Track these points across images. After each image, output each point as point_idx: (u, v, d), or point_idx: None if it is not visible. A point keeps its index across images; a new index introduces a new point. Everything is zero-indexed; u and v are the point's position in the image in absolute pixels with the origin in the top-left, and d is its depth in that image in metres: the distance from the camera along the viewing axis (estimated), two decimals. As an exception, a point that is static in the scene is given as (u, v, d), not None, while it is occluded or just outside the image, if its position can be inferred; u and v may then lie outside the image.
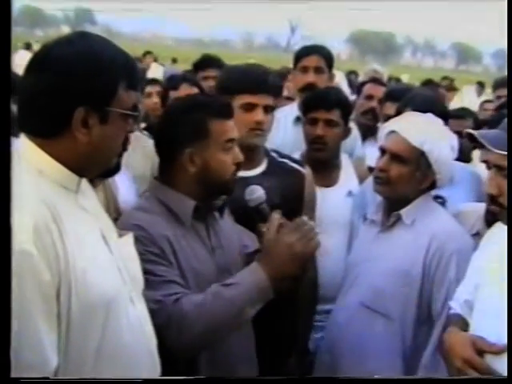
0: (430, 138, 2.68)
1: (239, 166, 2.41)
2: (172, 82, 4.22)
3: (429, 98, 3.51)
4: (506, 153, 2.02)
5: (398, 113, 3.33)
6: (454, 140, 2.79)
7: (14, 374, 1.50)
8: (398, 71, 20.70)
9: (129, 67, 1.75)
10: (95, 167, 1.80)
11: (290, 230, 2.26)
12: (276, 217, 2.33)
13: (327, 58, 4.07)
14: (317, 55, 4.01)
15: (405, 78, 15.76)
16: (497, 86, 5.68)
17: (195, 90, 3.84)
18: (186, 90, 3.90)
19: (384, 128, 2.85)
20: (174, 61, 19.92)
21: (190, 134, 2.34)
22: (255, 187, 2.47)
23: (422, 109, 3.01)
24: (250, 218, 2.48)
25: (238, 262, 2.47)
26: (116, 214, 2.55)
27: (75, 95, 1.64)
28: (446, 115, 3.23)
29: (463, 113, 4.36)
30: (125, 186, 3.05)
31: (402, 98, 3.57)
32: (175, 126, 2.38)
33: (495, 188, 2.09)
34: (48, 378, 1.51)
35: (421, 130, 2.70)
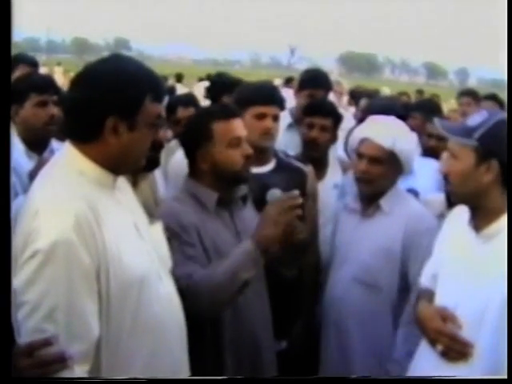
0: (398, 138, 2.69)
1: (250, 158, 2.36)
2: (169, 105, 3.78)
3: (387, 103, 3.53)
4: (455, 137, 2.03)
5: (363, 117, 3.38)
6: (414, 137, 2.87)
7: (64, 345, 1.48)
8: (379, 85, 20.59)
9: (154, 82, 1.72)
10: (126, 166, 1.76)
11: (271, 204, 2.20)
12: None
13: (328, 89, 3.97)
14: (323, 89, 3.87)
15: (386, 91, 15.69)
16: (461, 94, 5.80)
17: (192, 111, 3.60)
18: (182, 112, 3.71)
19: (355, 135, 2.84)
20: (201, 79, 19.66)
21: (197, 137, 2.34)
22: (276, 191, 2.45)
23: (382, 113, 3.03)
24: None
25: None
26: (157, 203, 2.55)
27: (107, 106, 1.63)
28: (403, 116, 3.24)
29: None
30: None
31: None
32: (188, 132, 2.42)
33: (446, 167, 2.08)
34: (48, 378, 1.47)
35: (389, 133, 2.70)
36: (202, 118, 2.39)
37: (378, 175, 2.70)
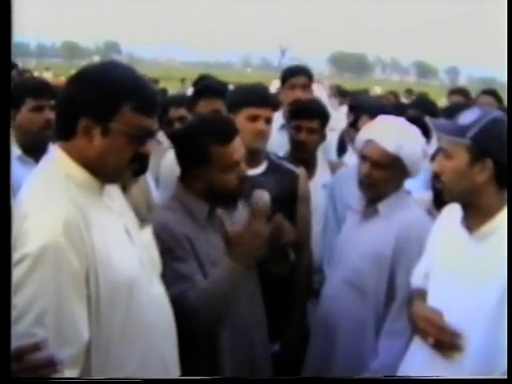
0: (404, 143, 2.55)
1: (243, 180, 2.34)
2: (161, 106, 3.69)
3: (383, 105, 3.51)
4: (448, 137, 1.99)
5: (355, 120, 3.40)
6: (422, 140, 2.71)
7: (54, 349, 1.46)
8: (370, 85, 20.67)
9: (139, 92, 1.66)
10: (105, 174, 1.70)
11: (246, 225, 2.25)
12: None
13: (310, 76, 3.99)
14: (303, 75, 3.91)
15: (378, 90, 15.70)
16: (451, 93, 5.81)
17: (183, 111, 3.63)
18: (174, 112, 3.66)
19: (361, 135, 2.73)
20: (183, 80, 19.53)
21: (193, 158, 2.29)
22: (261, 191, 2.46)
23: (371, 112, 3.01)
24: None
25: None
26: (149, 207, 2.53)
27: (81, 105, 1.61)
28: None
29: None
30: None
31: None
32: (183, 150, 2.35)
33: (439, 166, 2.04)
34: (48, 379, 1.44)
35: (396, 137, 2.56)
36: (199, 139, 2.28)
37: (380, 180, 2.60)
